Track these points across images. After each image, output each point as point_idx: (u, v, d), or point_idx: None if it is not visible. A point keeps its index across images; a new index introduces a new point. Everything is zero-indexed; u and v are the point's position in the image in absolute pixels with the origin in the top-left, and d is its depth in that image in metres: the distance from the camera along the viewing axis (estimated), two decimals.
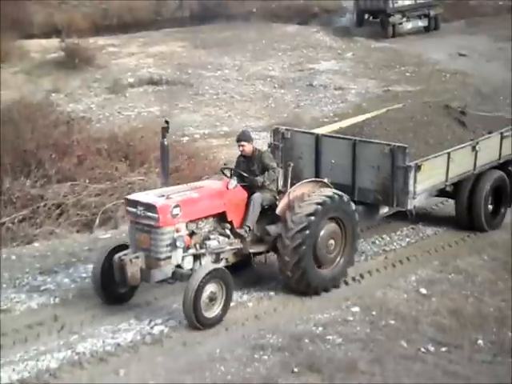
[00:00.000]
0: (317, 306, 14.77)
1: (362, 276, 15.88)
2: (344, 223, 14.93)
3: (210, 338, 13.75)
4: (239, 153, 15.39)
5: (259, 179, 14.47)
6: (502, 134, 17.52)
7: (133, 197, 14.15)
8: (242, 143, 14.97)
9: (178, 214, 13.27)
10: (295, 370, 12.30)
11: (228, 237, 14.33)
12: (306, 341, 13.24)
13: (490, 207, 17.71)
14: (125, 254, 13.52)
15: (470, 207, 17.30)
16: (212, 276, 13.25)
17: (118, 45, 40.66)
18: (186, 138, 26.04)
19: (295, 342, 13.22)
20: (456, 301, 14.84)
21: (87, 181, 19.91)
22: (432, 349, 13.08)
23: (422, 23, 41.42)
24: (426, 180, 15.97)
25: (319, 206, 14.20)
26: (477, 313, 14.37)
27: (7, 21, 40.81)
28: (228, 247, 14.25)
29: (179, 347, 13.41)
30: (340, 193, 14.98)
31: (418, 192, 15.74)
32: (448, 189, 17.38)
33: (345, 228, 14.98)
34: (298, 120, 27.89)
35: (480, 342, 13.30)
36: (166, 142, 14.46)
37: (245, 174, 14.80)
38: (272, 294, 15.04)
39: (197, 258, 13.98)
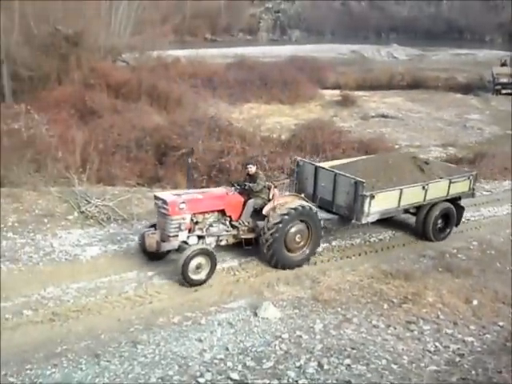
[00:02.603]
0: (455, 239, 15.65)
1: (480, 226, 16.64)
2: (311, 225, 13.44)
3: (397, 248, 14.84)
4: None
5: (248, 185, 13.37)
6: (450, 180, 15.57)
7: (158, 194, 13.11)
8: (250, 166, 13.76)
9: (183, 208, 12.34)
10: (439, 269, 13.41)
11: (227, 226, 13.17)
12: (447, 255, 14.37)
13: (440, 226, 15.70)
14: (148, 230, 12.69)
15: (424, 224, 15.50)
16: (198, 252, 12.16)
17: (368, 96, 42.38)
18: (397, 146, 27.17)
19: (441, 255, 14.32)
20: None
21: None
22: None
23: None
24: (380, 205, 14.36)
25: (292, 210, 13.00)
26: None
27: (313, 80, 43.36)
28: (224, 233, 13.07)
29: (378, 252, 14.64)
30: (310, 204, 13.58)
31: (371, 213, 14.22)
32: (412, 210, 15.64)
33: (311, 229, 13.47)
34: (456, 142, 28.91)
35: None
36: (190, 161, 14.01)
37: (239, 184, 13.61)
38: None
39: (201, 238, 12.82)
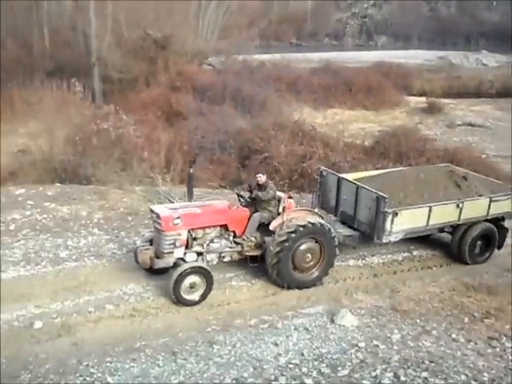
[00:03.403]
0: None
1: None
2: (323, 243, 12.29)
3: (455, 265, 14.13)
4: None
5: (256, 193, 12.38)
6: (491, 198, 13.98)
7: (152, 207, 12.20)
8: (260, 175, 12.61)
9: (178, 223, 11.42)
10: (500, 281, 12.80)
11: (230, 242, 12.19)
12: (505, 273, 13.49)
13: (478, 248, 14.28)
14: (143, 245, 11.87)
15: (459, 245, 14.09)
16: (193, 270, 11.26)
17: (455, 103, 41.34)
18: (484, 156, 26.12)
19: (501, 271, 13.70)
20: None
21: None
22: None
23: None
24: (404, 224, 12.99)
25: (301, 227, 11.87)
26: None
27: (399, 87, 42.24)
28: (227, 249, 12.10)
29: (435, 268, 13.95)
30: (322, 221, 12.33)
31: (394, 232, 12.89)
32: (447, 229, 14.26)
33: (323, 247, 12.34)
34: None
35: None
36: (191, 171, 12.60)
37: (245, 196, 12.70)
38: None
39: (201, 254, 11.89)
